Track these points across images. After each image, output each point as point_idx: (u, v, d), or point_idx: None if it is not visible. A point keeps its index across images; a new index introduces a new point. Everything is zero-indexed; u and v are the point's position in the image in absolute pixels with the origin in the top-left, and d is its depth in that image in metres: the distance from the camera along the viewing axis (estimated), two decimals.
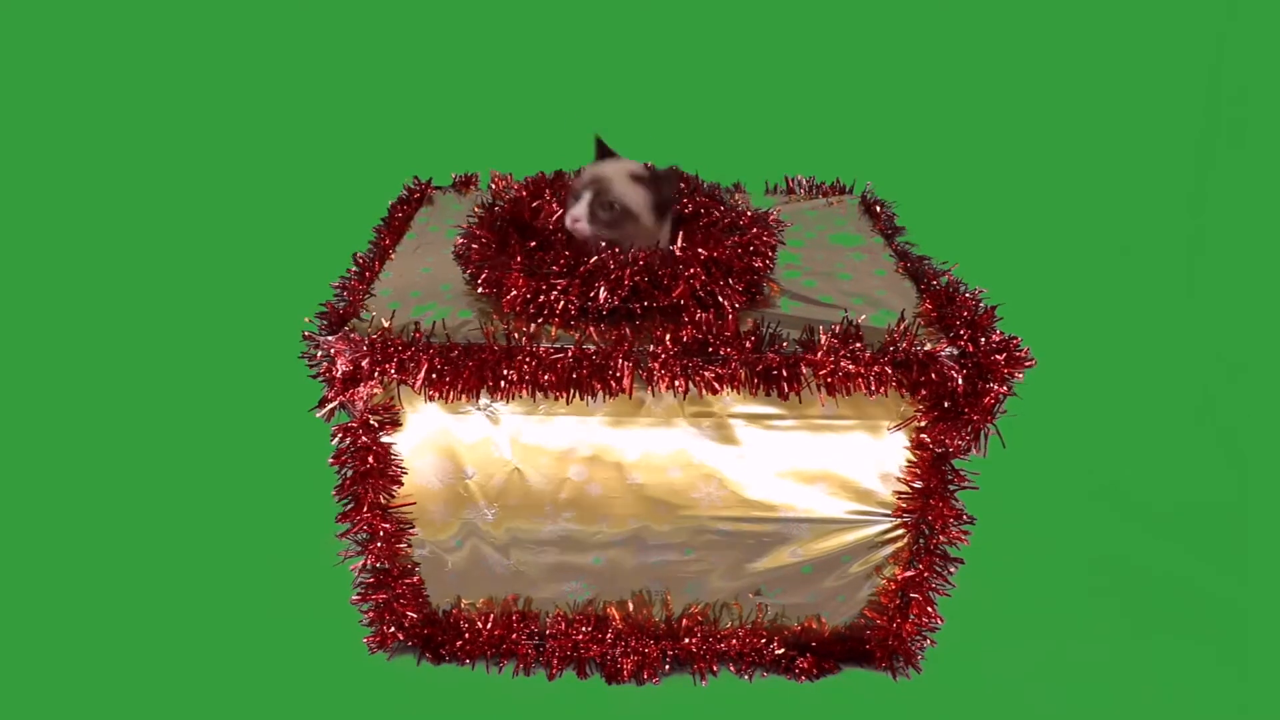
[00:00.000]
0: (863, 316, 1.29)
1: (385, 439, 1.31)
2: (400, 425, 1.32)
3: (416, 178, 1.82)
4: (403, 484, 1.35)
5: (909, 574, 1.40)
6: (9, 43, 2.41)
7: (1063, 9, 2.46)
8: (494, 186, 1.74)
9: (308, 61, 2.48)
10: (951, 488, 1.33)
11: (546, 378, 1.23)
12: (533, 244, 1.37)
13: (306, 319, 1.30)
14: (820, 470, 1.34)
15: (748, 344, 1.22)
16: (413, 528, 1.39)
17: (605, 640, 1.48)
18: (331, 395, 1.26)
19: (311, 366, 1.26)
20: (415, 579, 1.45)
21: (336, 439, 1.31)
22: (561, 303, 1.27)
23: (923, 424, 1.29)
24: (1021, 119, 2.53)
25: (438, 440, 1.33)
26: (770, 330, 1.25)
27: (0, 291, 2.39)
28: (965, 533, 1.36)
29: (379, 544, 1.38)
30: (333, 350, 1.24)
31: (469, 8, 2.48)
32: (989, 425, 1.24)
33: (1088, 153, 2.55)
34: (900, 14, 2.48)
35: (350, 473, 1.33)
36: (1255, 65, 2.43)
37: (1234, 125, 2.50)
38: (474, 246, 1.40)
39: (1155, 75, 2.48)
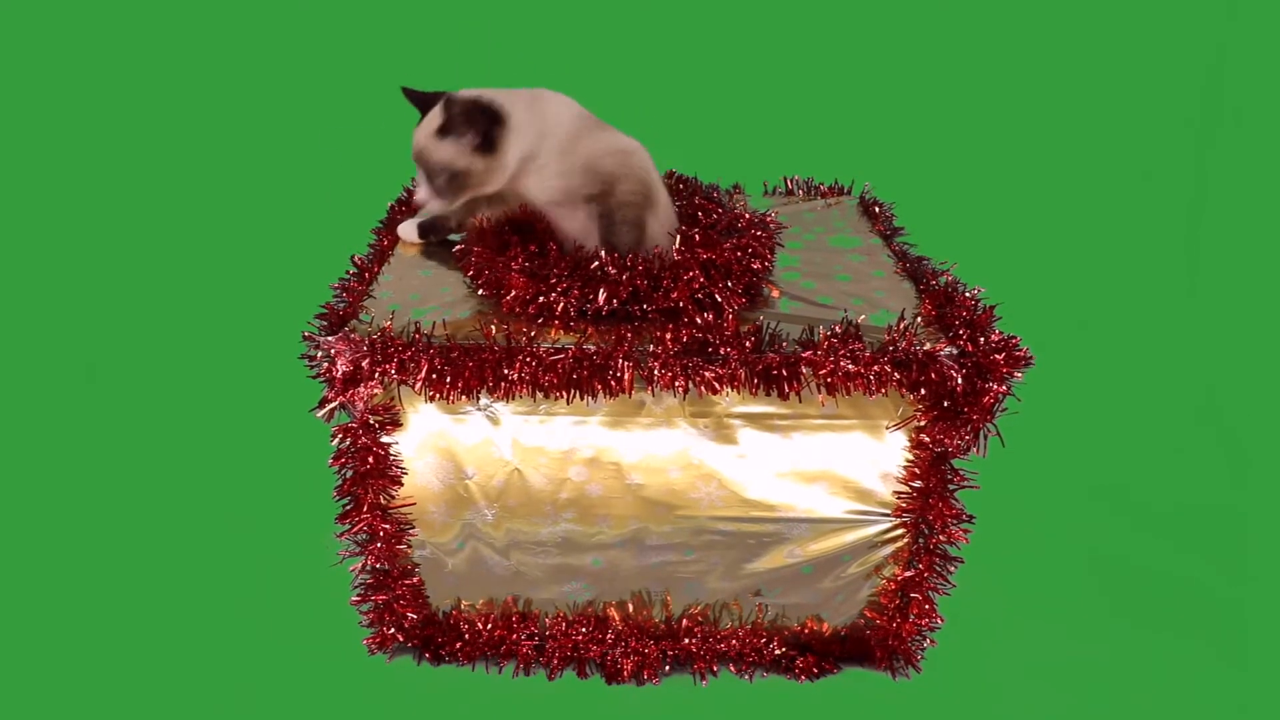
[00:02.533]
0: (862, 316, 1.29)
1: (385, 439, 1.31)
2: (400, 426, 1.32)
3: (415, 179, 1.82)
4: (403, 484, 1.35)
5: (909, 574, 1.40)
6: (9, 43, 2.41)
7: (1061, 8, 2.46)
8: None
9: (306, 63, 2.48)
10: (951, 487, 1.33)
11: (547, 378, 1.23)
12: (533, 248, 1.38)
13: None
14: (820, 470, 1.34)
15: (748, 344, 1.23)
16: (413, 528, 1.39)
17: (605, 640, 1.48)
18: (331, 396, 1.26)
19: (312, 367, 1.26)
20: (415, 580, 1.45)
21: (337, 439, 1.31)
22: (561, 304, 1.28)
23: (922, 423, 1.29)
24: (1021, 118, 2.53)
25: (438, 441, 1.33)
26: (770, 330, 1.25)
27: (3, 294, 2.39)
28: (965, 532, 1.36)
29: (379, 545, 1.38)
30: (333, 351, 1.24)
31: (467, 8, 2.48)
32: (988, 425, 1.25)
33: (1087, 151, 2.55)
34: (898, 14, 2.48)
35: (350, 473, 1.33)
36: (1256, 64, 2.44)
37: (1234, 123, 2.50)
38: (474, 249, 1.41)
39: (1155, 72, 2.48)
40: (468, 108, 1.34)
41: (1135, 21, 2.45)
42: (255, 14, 2.46)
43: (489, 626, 1.49)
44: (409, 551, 1.42)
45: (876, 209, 1.74)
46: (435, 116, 1.37)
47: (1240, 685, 1.48)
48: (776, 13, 2.50)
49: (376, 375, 1.25)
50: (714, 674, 1.48)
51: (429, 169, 1.37)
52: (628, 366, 1.22)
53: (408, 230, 1.57)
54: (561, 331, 1.27)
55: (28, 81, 2.44)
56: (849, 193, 1.87)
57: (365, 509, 1.35)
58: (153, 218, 2.53)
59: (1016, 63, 2.49)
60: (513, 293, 1.30)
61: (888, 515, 1.38)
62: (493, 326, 1.26)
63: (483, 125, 1.34)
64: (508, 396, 1.27)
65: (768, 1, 2.49)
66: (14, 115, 2.45)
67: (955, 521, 1.35)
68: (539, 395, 1.26)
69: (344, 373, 1.24)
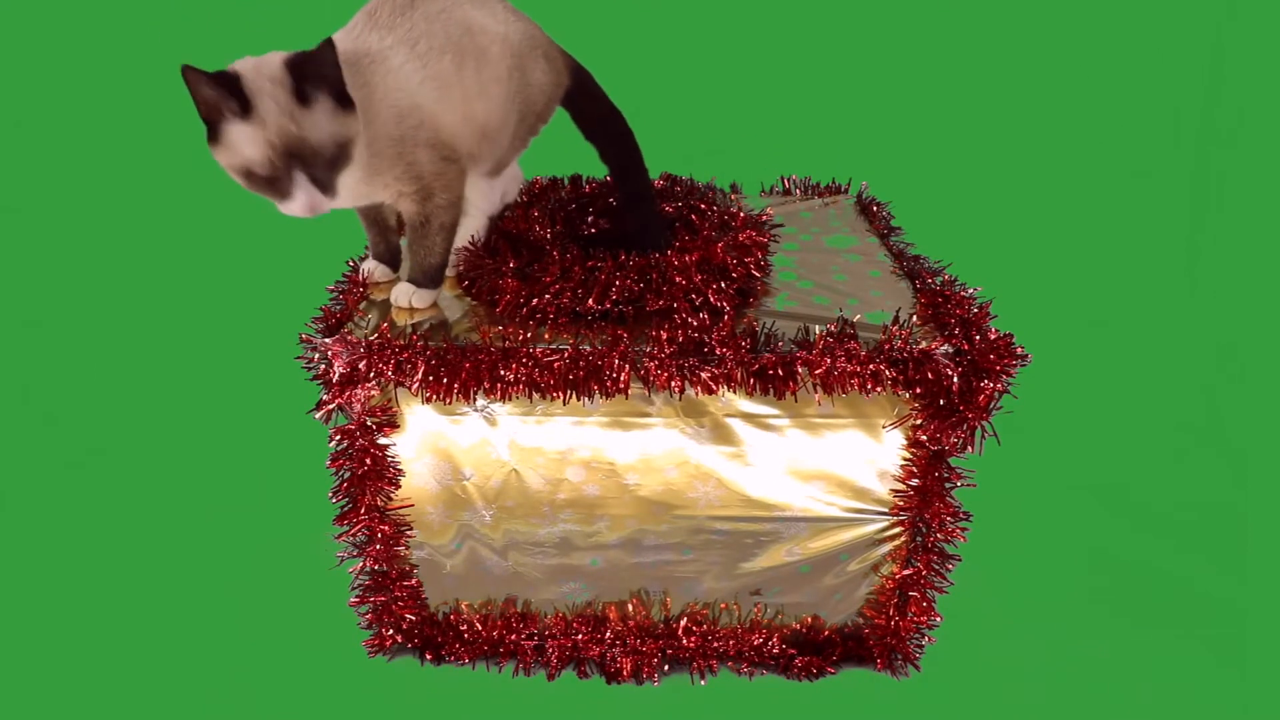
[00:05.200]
0: (858, 315, 1.29)
1: (383, 441, 1.32)
2: (398, 427, 1.32)
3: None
4: (400, 486, 1.36)
5: (907, 572, 1.40)
6: (8, 43, 2.42)
7: (1059, 6, 2.46)
8: None
9: None
10: (948, 485, 1.34)
11: (543, 379, 1.24)
12: (525, 254, 1.38)
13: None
14: (817, 469, 1.35)
15: (744, 344, 1.23)
16: (411, 530, 1.39)
17: (604, 640, 1.48)
18: (329, 397, 1.26)
19: (309, 369, 1.27)
20: (413, 581, 1.45)
21: (334, 441, 1.31)
22: (554, 306, 1.28)
23: (919, 422, 1.29)
24: (1018, 116, 2.53)
25: (435, 442, 1.33)
26: (766, 330, 1.25)
27: (1, 295, 2.40)
28: (963, 530, 1.36)
29: (377, 546, 1.39)
30: (330, 352, 1.24)
31: None
32: (984, 423, 1.25)
33: (1086, 149, 2.55)
34: (895, 14, 2.48)
35: (348, 475, 1.34)
36: (1255, 62, 2.43)
37: (1235, 122, 2.49)
38: (465, 255, 1.41)
39: (1154, 69, 2.47)
40: (317, 57, 1.23)
41: (1134, 19, 2.45)
42: (254, 14, 2.46)
43: (488, 627, 1.49)
44: (407, 553, 1.42)
45: (874, 208, 1.74)
46: (272, 61, 1.24)
47: (1239, 685, 1.48)
48: (773, 12, 2.50)
49: (373, 377, 1.25)
50: (713, 673, 1.48)
51: (310, 162, 1.16)
52: (624, 367, 1.23)
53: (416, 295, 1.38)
54: (555, 333, 1.28)
55: (27, 82, 2.45)
56: (845, 192, 1.87)
57: (363, 510, 1.35)
58: (150, 220, 2.53)
59: (1014, 61, 2.49)
60: (506, 296, 1.30)
61: (885, 513, 1.38)
62: (488, 328, 1.26)
63: (332, 73, 1.21)
64: (504, 397, 1.27)
65: (764, 1, 2.50)
66: (13, 116, 2.45)
67: (953, 519, 1.35)
68: (535, 396, 1.27)
69: (341, 374, 1.25)
